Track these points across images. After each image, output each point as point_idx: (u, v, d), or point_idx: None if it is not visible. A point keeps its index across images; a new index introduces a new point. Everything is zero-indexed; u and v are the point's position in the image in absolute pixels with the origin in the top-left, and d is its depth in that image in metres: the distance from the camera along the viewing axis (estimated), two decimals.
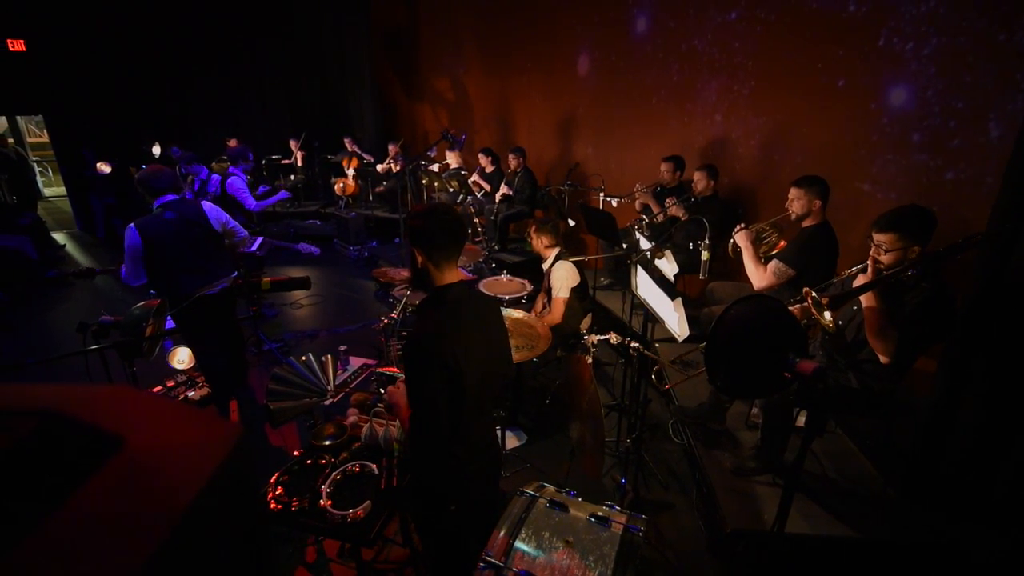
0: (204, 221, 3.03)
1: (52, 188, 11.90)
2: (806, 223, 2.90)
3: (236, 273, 3.19)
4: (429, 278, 1.61)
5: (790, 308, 2.38)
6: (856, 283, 2.24)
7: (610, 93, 5.69)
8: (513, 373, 1.89)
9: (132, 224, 2.84)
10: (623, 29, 5.38)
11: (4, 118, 11.17)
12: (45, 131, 9.84)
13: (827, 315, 1.96)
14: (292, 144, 8.30)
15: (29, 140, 12.10)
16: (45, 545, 0.37)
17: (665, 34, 4.97)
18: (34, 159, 11.32)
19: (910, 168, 3.17)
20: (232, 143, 7.36)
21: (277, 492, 1.93)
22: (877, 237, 2.14)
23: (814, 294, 1.98)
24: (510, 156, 6.03)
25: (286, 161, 8.43)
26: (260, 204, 4.97)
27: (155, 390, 2.97)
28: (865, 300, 2.16)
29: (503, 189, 6.11)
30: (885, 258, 2.12)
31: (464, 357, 1.52)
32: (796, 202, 2.87)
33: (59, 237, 8.03)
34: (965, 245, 2.09)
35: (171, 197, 2.95)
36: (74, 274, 2.33)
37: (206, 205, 3.10)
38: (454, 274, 1.63)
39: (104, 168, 7.57)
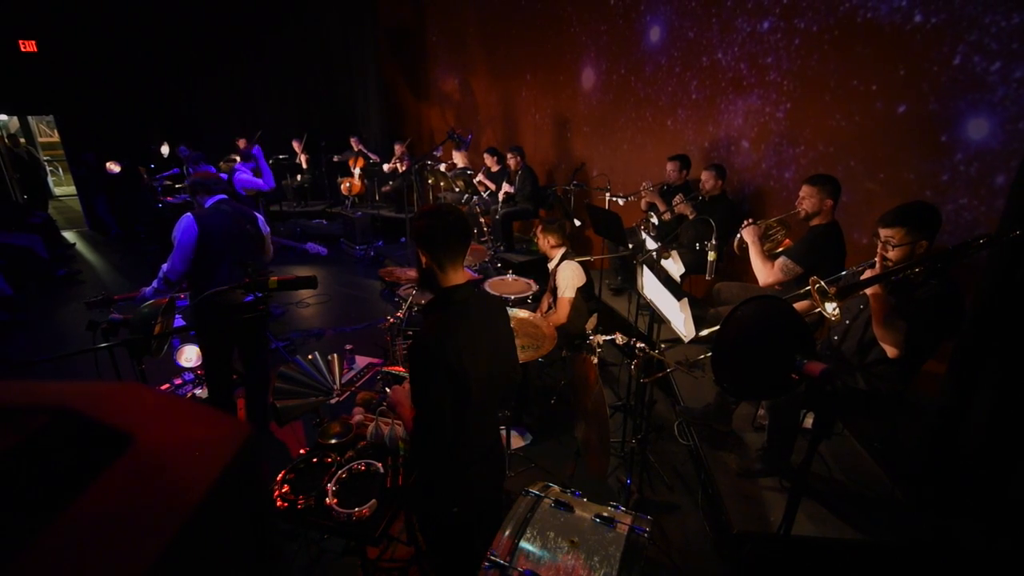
0: (255, 221, 3.10)
1: (62, 187, 12.04)
2: (815, 221, 2.88)
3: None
4: (435, 279, 1.60)
5: (795, 304, 2.36)
6: (864, 277, 2.22)
7: (616, 96, 5.64)
8: (520, 376, 1.87)
9: (189, 215, 2.78)
10: (634, 37, 5.15)
11: (16, 118, 11.30)
12: (55, 131, 9.94)
13: (829, 306, 1.94)
14: (295, 144, 8.34)
15: (40, 140, 12.25)
16: (54, 543, 0.38)
17: (683, 45, 4.60)
18: (45, 159, 11.44)
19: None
20: (241, 143, 7.41)
21: (283, 490, 1.93)
22: (884, 232, 2.12)
23: (821, 283, 1.96)
24: (509, 156, 6.04)
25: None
26: (271, 182, 5.23)
27: (163, 387, 3.00)
28: (872, 292, 2.14)
29: (505, 187, 6.12)
30: (893, 254, 2.10)
31: (470, 359, 1.51)
32: (807, 200, 2.84)
33: (69, 236, 8.11)
34: (977, 246, 2.07)
35: (223, 196, 2.99)
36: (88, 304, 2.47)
37: (255, 212, 3.17)
38: (460, 275, 1.61)
39: (114, 168, 7.65)
